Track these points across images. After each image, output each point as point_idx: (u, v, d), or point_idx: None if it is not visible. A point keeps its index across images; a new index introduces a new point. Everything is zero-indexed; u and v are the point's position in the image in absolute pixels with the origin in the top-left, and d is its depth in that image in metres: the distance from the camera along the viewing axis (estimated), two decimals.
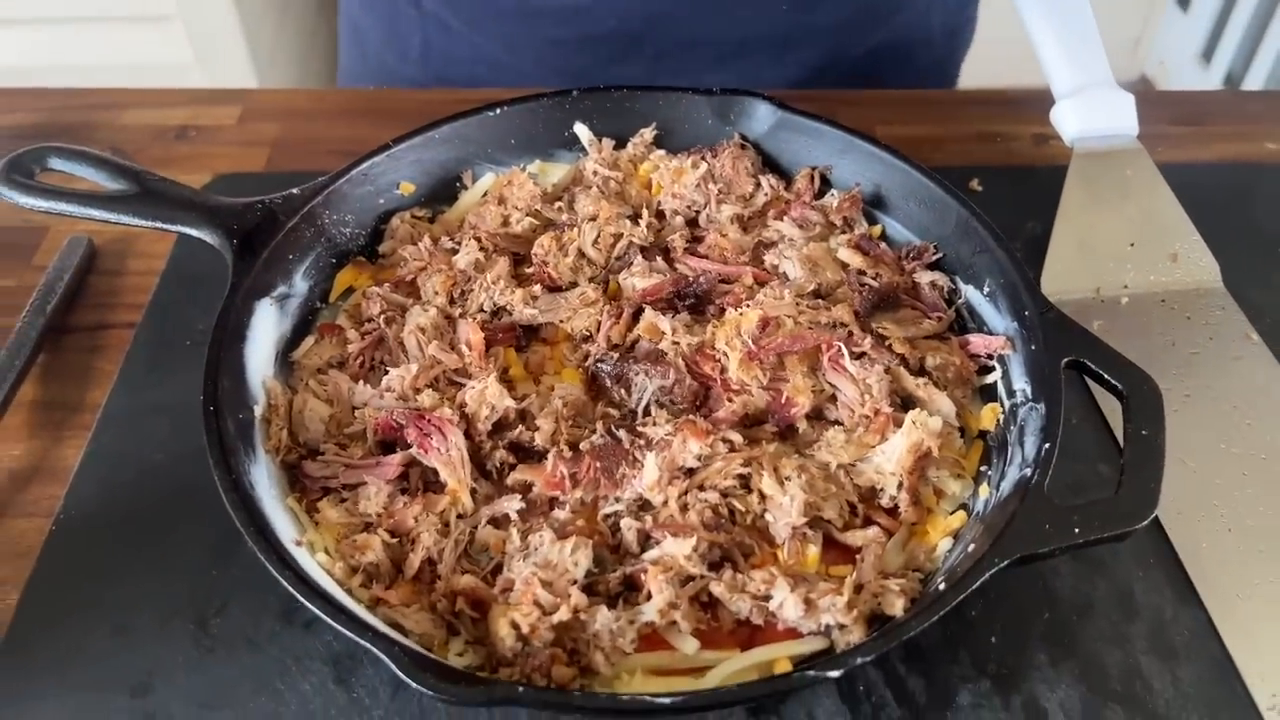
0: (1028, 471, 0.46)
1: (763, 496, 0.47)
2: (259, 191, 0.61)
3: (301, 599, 0.41)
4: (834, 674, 0.39)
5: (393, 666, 0.39)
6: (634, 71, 0.81)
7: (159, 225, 0.56)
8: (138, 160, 0.72)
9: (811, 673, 0.39)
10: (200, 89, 0.78)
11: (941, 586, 0.43)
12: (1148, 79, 3.14)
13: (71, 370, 0.60)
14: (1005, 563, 0.41)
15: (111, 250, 0.67)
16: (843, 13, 0.82)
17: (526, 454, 0.50)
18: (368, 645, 0.39)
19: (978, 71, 1.04)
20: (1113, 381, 0.48)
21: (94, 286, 0.65)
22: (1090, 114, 0.66)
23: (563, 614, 0.43)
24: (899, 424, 0.49)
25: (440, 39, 0.86)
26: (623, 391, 0.52)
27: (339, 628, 0.40)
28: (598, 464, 0.48)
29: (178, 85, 1.91)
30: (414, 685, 0.38)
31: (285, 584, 0.41)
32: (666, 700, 0.39)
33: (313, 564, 0.45)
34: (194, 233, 0.55)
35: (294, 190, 0.57)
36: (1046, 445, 0.46)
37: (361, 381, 0.52)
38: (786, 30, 0.81)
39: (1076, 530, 0.42)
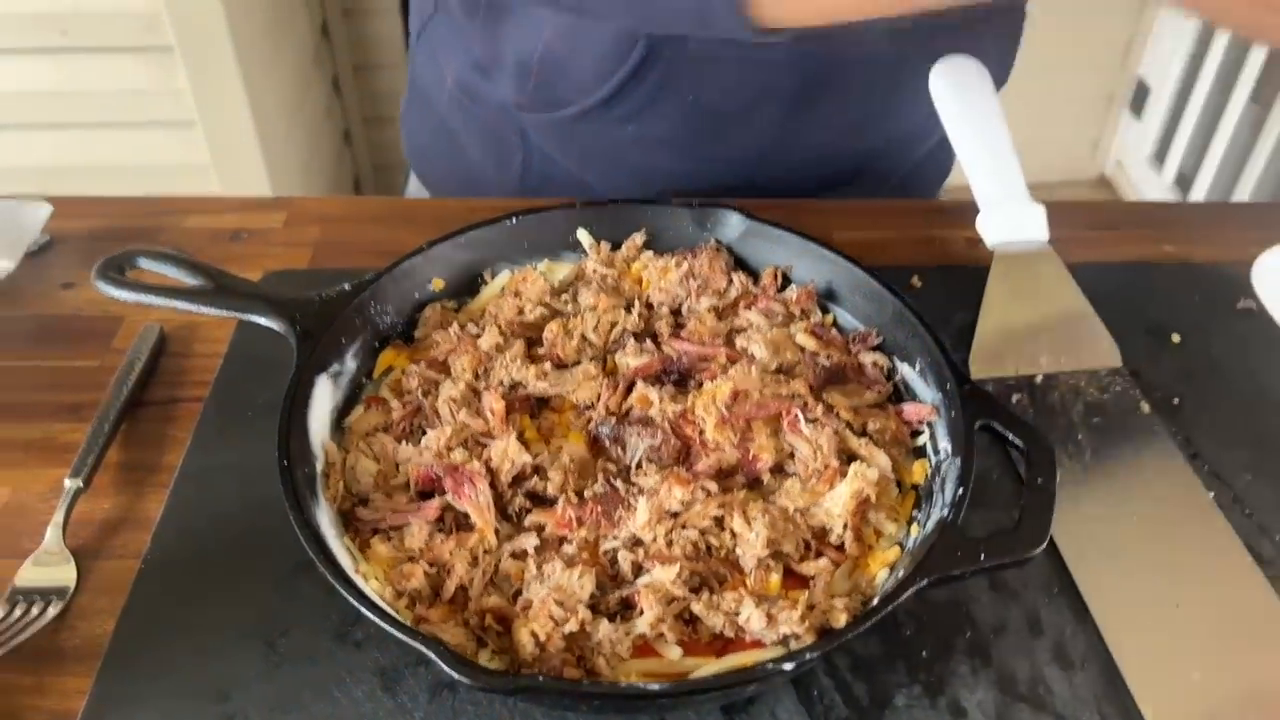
0: (945, 512, 0.56)
1: (734, 534, 0.58)
2: (306, 286, 0.73)
3: (366, 613, 0.50)
4: (788, 666, 0.49)
5: (440, 663, 0.48)
6: None
7: (234, 314, 0.67)
8: (198, 258, 0.84)
9: (770, 665, 0.49)
10: (250, 197, 0.90)
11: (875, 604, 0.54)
12: (1106, 178, 3.34)
13: (149, 438, 0.70)
14: (925, 582, 0.52)
15: (179, 336, 0.78)
16: (885, 166, 0.98)
17: (540, 500, 0.61)
18: (421, 648, 0.49)
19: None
20: (1014, 439, 0.59)
21: (165, 367, 0.76)
22: (1007, 224, 0.79)
23: (572, 625, 0.53)
24: (844, 475, 0.60)
25: (541, 164, 0.96)
26: (619, 450, 0.63)
27: (399, 635, 0.49)
28: (599, 508, 0.59)
29: (197, 185, 2.04)
30: (457, 677, 0.48)
31: (352, 600, 0.51)
32: (655, 688, 0.49)
33: (369, 589, 0.55)
34: (263, 321, 0.66)
35: (345, 286, 0.68)
36: (960, 490, 0.56)
37: (404, 442, 0.63)
38: (843, 179, 0.97)
39: (983, 556, 0.53)
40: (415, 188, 1.12)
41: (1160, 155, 2.98)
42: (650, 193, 0.93)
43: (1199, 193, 2.81)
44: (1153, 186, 2.98)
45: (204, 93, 1.99)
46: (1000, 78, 0.98)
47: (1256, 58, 2.56)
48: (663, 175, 0.94)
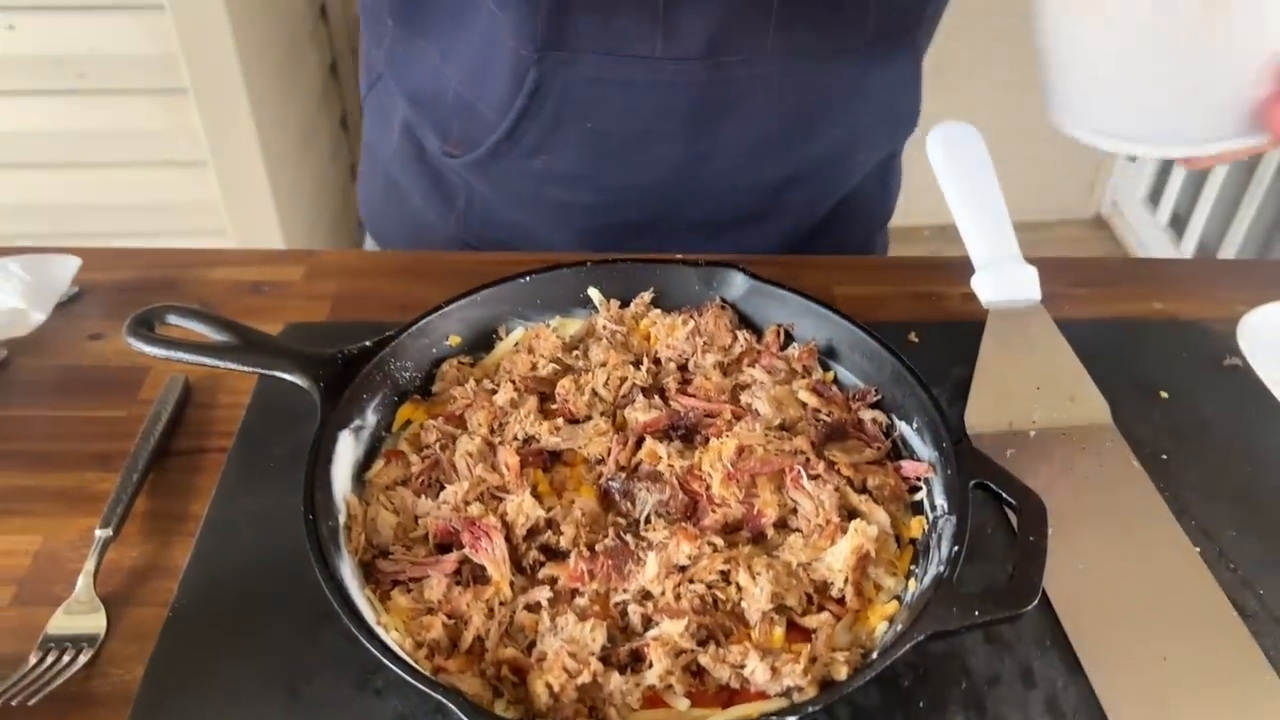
0: (942, 569, 0.59)
1: (739, 588, 0.61)
2: (325, 338, 0.76)
3: (389, 664, 0.53)
4: (792, 718, 0.52)
5: (459, 713, 0.51)
6: (647, 244, 0.97)
7: (260, 371, 0.70)
8: (222, 310, 0.87)
9: (774, 717, 0.52)
10: (270, 250, 0.94)
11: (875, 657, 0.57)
12: (1102, 218, 3.39)
13: (176, 487, 0.73)
14: (921, 637, 0.54)
15: (203, 386, 0.81)
16: (803, 197, 1.00)
17: (553, 554, 0.63)
18: (441, 699, 0.52)
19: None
20: (1007, 498, 0.62)
21: (190, 417, 0.78)
22: (1001, 283, 0.83)
23: (585, 677, 0.55)
24: (845, 531, 0.63)
25: (481, 206, 1.00)
26: (628, 504, 0.66)
27: (420, 685, 0.52)
28: (610, 562, 0.61)
29: (206, 221, 2.07)
30: None
31: (376, 653, 0.53)
32: None
33: (390, 640, 0.57)
34: (288, 377, 0.69)
35: (366, 343, 0.71)
36: (956, 548, 0.59)
37: (422, 495, 0.66)
38: (764, 209, 0.99)
39: (977, 613, 0.56)
40: (370, 245, 1.16)
41: (1155, 196, 3.03)
42: (570, 228, 0.99)
43: (1193, 233, 2.86)
44: (1148, 227, 3.03)
45: (216, 133, 2.03)
46: (908, 117, 1.01)
47: None
48: (580, 210, 0.97)
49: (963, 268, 0.89)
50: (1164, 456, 0.76)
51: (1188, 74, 0.48)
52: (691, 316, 0.78)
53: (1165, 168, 3.00)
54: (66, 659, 0.61)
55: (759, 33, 0.82)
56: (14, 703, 0.58)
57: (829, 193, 1.04)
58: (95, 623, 0.63)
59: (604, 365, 0.74)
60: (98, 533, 0.67)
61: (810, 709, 0.52)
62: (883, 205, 1.12)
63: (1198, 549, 0.69)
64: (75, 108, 1.97)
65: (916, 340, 0.85)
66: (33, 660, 0.60)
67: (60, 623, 0.63)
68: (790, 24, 0.81)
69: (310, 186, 2.38)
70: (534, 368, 0.75)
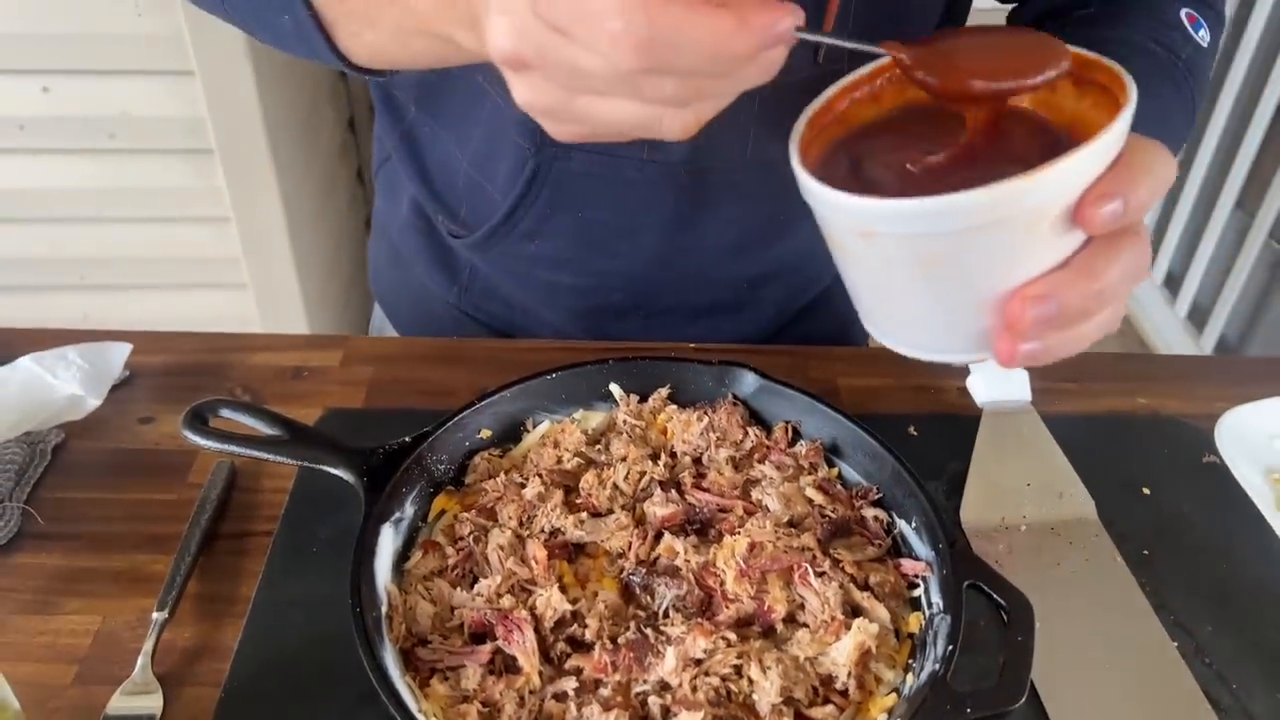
0: (937, 667, 0.64)
1: (750, 681, 0.66)
2: (363, 425, 0.82)
3: None
4: None
5: None
6: (631, 325, 1.06)
7: (308, 464, 0.76)
8: (265, 394, 0.93)
9: None
10: (309, 335, 1.00)
11: None
12: None
13: (225, 570, 0.78)
14: None
15: (248, 471, 0.86)
16: (780, 292, 1.08)
17: (579, 645, 0.69)
18: None
19: None
20: (998, 599, 0.67)
21: (237, 501, 0.84)
22: (993, 385, 0.88)
23: None
24: (849, 628, 0.68)
25: (482, 281, 1.08)
26: (648, 597, 0.71)
27: None
28: (631, 654, 0.66)
29: (226, 275, 2.13)
30: None
31: None
32: None
33: None
34: (335, 471, 0.74)
35: (406, 439, 0.77)
36: (950, 647, 0.65)
37: (458, 587, 0.71)
38: (742, 300, 1.07)
39: (968, 710, 0.61)
40: (379, 314, 1.24)
41: (1173, 285, 3.09)
42: (560, 306, 1.06)
43: (1189, 290, 2.92)
44: (1162, 317, 3.08)
45: (240, 191, 2.10)
46: None
47: (1240, 167, 2.69)
48: (566, 290, 1.04)
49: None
50: (1145, 552, 0.81)
51: (923, 310, 0.58)
52: (706, 413, 0.83)
53: (1162, 227, 3.07)
54: None
55: (737, 147, 0.90)
56: None
57: (804, 289, 1.12)
58: (153, 703, 0.68)
59: (624, 459, 0.80)
60: (155, 615, 0.72)
61: None
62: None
63: (1176, 644, 0.74)
64: (106, 166, 2.05)
65: (915, 433, 0.90)
66: None
67: (119, 703, 0.68)
68: (766, 140, 0.89)
69: (328, 241, 2.45)
70: (559, 461, 0.80)
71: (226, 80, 1.96)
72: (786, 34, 0.43)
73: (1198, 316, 2.91)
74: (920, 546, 0.74)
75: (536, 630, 0.68)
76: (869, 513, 0.77)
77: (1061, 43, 0.54)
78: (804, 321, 1.13)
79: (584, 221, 0.96)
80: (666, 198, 0.94)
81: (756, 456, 0.82)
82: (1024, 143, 0.56)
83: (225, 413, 0.79)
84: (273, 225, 2.16)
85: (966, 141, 0.56)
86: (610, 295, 1.04)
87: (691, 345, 0.98)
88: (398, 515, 0.74)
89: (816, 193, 0.53)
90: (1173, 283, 3.06)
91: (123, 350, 0.93)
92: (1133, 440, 0.92)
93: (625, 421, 0.83)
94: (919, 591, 0.72)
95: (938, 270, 0.53)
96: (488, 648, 0.67)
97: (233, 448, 0.76)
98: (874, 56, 0.56)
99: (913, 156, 0.56)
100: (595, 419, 0.85)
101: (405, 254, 1.13)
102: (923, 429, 0.91)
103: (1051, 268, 0.52)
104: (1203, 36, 0.82)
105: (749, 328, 1.10)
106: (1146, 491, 0.87)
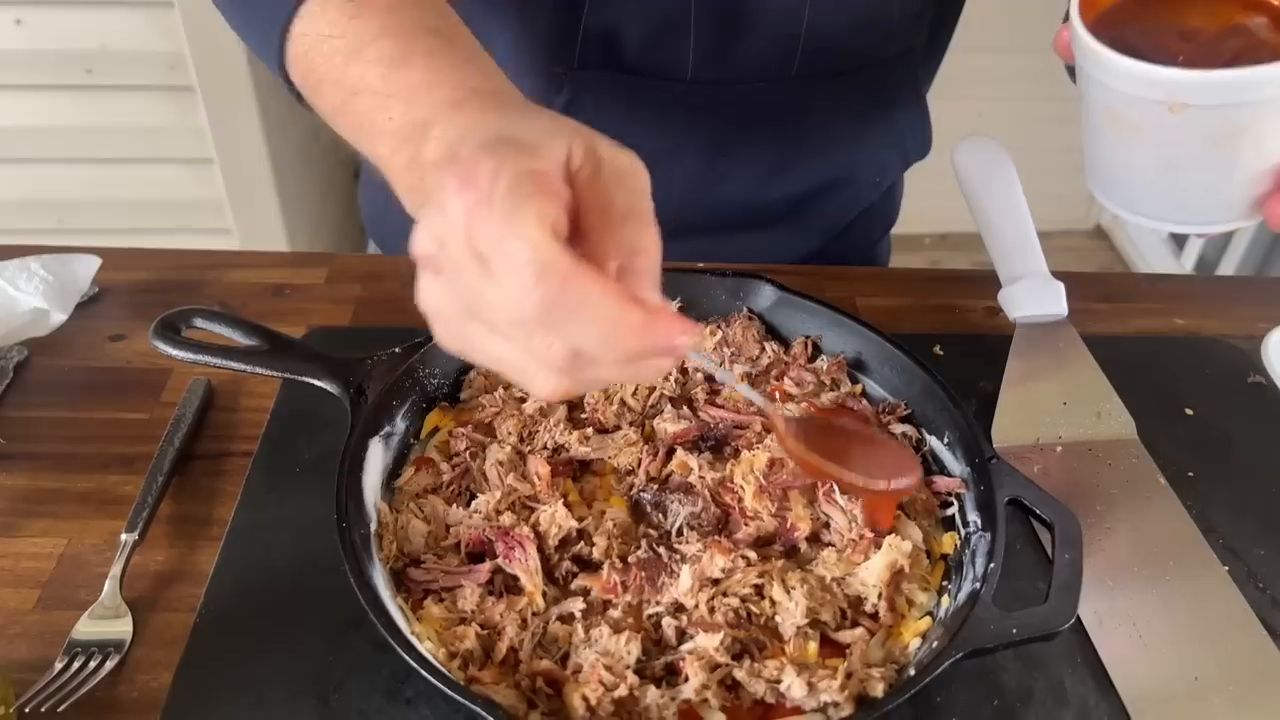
0: (977, 586, 0.59)
1: (773, 602, 0.60)
2: (350, 343, 0.76)
3: (426, 675, 0.52)
4: None
5: None
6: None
7: (290, 376, 0.69)
8: (243, 313, 0.86)
9: None
10: (292, 253, 0.93)
11: (911, 674, 0.56)
12: (1102, 228, 3.39)
13: (200, 491, 0.72)
14: (959, 655, 0.54)
15: (226, 390, 0.80)
16: (816, 212, 1.01)
17: (586, 565, 0.63)
18: (479, 710, 0.51)
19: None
20: (1042, 515, 0.62)
21: (214, 420, 0.78)
22: (1028, 299, 0.83)
23: (621, 691, 0.55)
24: (879, 546, 0.62)
25: None
26: (660, 516, 0.66)
27: (456, 696, 0.52)
28: (643, 574, 0.61)
29: (210, 220, 2.07)
30: None
31: (412, 663, 0.53)
32: None
33: (424, 650, 0.57)
34: (318, 383, 0.69)
35: (396, 349, 0.71)
36: (991, 565, 0.59)
37: (453, 505, 0.65)
38: (773, 221, 1.00)
39: (1014, 631, 0.56)
40: (373, 250, 1.16)
41: None
42: None
43: (1193, 248, 2.87)
44: (1146, 237, 3.04)
45: (223, 131, 2.03)
46: (919, 147, 1.03)
47: None
48: None
49: (984, 280, 0.89)
50: (1190, 474, 0.76)
51: (1205, 181, 0.61)
52: (719, 327, 0.77)
53: None
54: (93, 665, 0.60)
55: (784, 62, 0.84)
56: (42, 709, 0.57)
57: (841, 210, 1.05)
58: (122, 628, 0.63)
59: None
60: (123, 536, 0.67)
61: None
62: (886, 214, 1.13)
63: (1226, 568, 0.69)
64: (82, 104, 1.97)
65: (941, 353, 0.85)
66: (58, 666, 0.60)
67: (86, 628, 0.62)
68: (814, 54, 0.84)
69: (315, 185, 2.37)
70: None
71: (208, 12, 1.87)
72: (681, 350, 0.43)
73: (1179, 236, 2.86)
74: (954, 463, 0.68)
75: (540, 549, 0.62)
76: (898, 429, 0.71)
77: (917, 463, 0.63)
78: (836, 243, 1.07)
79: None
80: (706, 121, 0.88)
81: (774, 373, 0.76)
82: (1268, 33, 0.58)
83: (199, 323, 0.73)
84: (257, 167, 2.08)
85: (1220, 27, 0.59)
86: None
87: (701, 265, 0.91)
88: (387, 430, 0.68)
89: (1128, 69, 0.56)
90: None
91: (90, 263, 0.86)
92: (1172, 360, 0.86)
93: None
94: (952, 510, 0.67)
95: (1235, 141, 0.56)
96: (486, 566, 0.61)
97: (207, 358, 0.70)
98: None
99: (1167, 39, 0.58)
100: None
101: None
102: (948, 349, 0.85)
103: None
104: None
105: (784, 248, 1.03)
106: (1189, 412, 0.81)
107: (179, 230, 2.16)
